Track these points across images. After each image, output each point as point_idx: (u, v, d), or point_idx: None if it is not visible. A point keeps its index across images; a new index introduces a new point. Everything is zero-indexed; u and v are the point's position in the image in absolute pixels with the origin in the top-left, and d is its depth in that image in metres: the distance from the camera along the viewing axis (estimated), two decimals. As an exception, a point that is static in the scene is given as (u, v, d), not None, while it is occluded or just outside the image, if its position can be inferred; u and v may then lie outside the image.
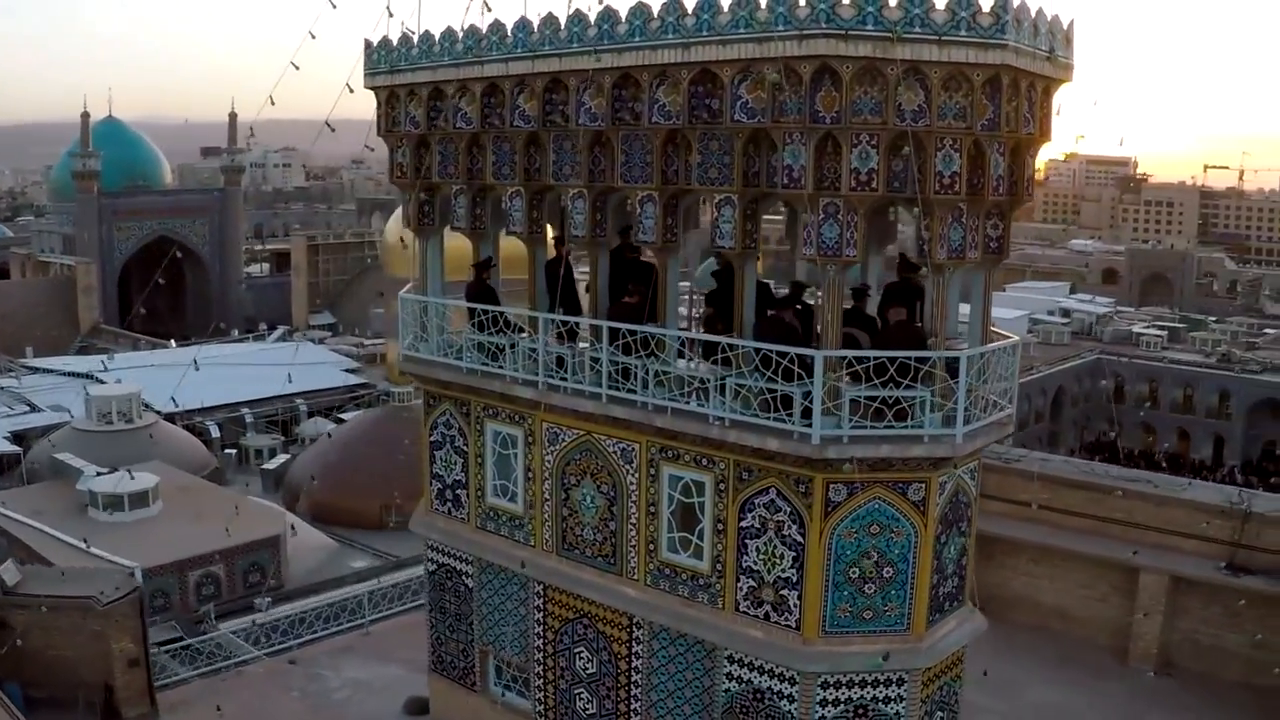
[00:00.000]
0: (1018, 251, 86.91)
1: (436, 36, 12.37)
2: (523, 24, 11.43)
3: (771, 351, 10.16)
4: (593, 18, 10.81)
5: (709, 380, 10.68)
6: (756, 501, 10.70)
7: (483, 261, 13.10)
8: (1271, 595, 14.59)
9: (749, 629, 10.90)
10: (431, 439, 14.00)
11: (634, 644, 12.04)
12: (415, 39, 12.61)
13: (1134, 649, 16.08)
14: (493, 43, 11.71)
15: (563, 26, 11.04)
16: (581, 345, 12.35)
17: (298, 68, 12.93)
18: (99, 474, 33.85)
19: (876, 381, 9.94)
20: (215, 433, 45.56)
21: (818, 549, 10.35)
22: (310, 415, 49.39)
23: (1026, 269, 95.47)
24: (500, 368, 12.58)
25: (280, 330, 66.72)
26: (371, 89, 13.35)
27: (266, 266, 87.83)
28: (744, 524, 10.82)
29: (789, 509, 10.48)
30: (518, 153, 11.98)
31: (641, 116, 10.70)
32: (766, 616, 10.80)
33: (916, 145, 9.54)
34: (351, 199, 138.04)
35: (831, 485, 10.22)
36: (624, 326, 11.29)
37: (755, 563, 10.80)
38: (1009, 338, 11.23)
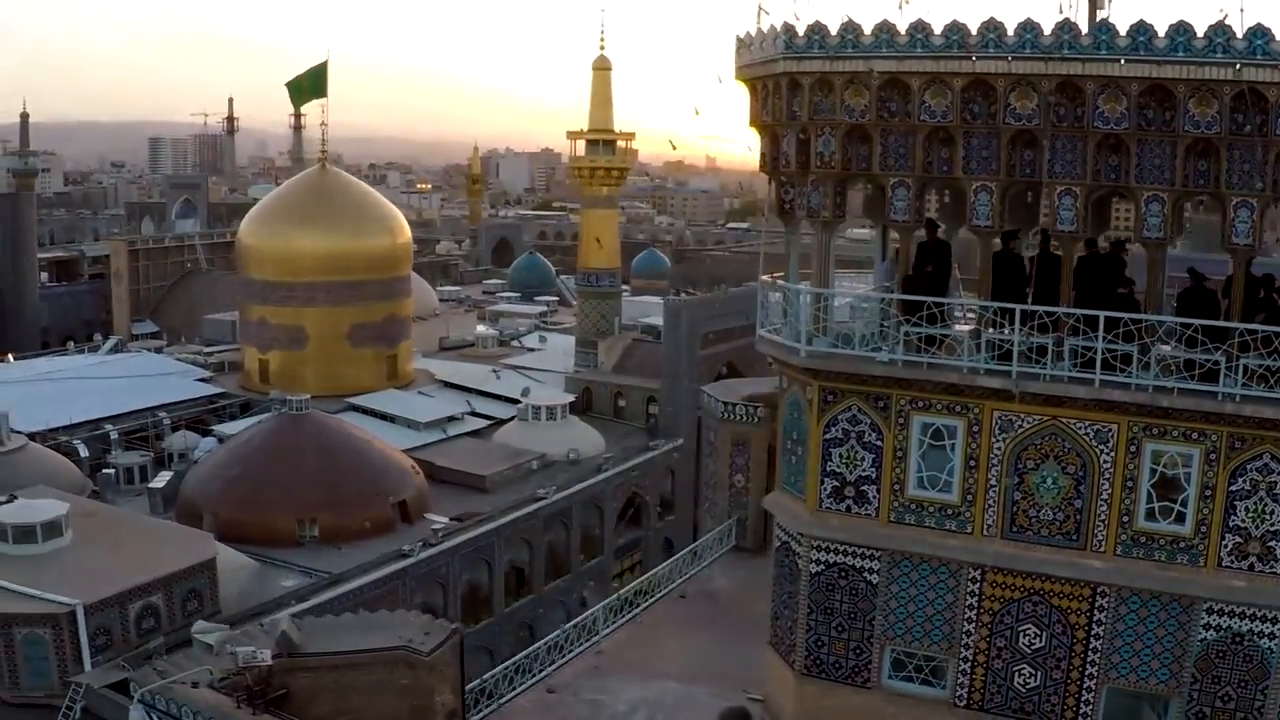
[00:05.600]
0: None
1: (902, 28, 12.48)
2: (1029, 25, 11.95)
3: (1300, 333, 11.65)
4: (1123, 28, 11.66)
5: (1220, 362, 11.95)
6: (1249, 466, 12.14)
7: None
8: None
9: (1233, 580, 12.31)
10: (827, 436, 13.86)
11: (1095, 612, 12.94)
12: (866, 27, 12.61)
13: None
14: (989, 40, 12.11)
15: (1085, 32, 11.76)
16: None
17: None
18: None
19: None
20: (84, 452, 38.67)
21: (1315, 504, 12.00)
22: (175, 429, 43.29)
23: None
24: (956, 359, 12.95)
25: (113, 340, 57.72)
26: (792, 74, 13.10)
27: (45, 276, 75.84)
28: (1233, 488, 12.21)
29: (1283, 470, 12.03)
30: (1000, 149, 12.45)
31: (1153, 122, 11.74)
32: (1251, 567, 12.25)
33: None
34: (116, 204, 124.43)
35: (1325, 446, 11.93)
36: (1126, 316, 12.24)
37: (1243, 521, 12.23)
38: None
